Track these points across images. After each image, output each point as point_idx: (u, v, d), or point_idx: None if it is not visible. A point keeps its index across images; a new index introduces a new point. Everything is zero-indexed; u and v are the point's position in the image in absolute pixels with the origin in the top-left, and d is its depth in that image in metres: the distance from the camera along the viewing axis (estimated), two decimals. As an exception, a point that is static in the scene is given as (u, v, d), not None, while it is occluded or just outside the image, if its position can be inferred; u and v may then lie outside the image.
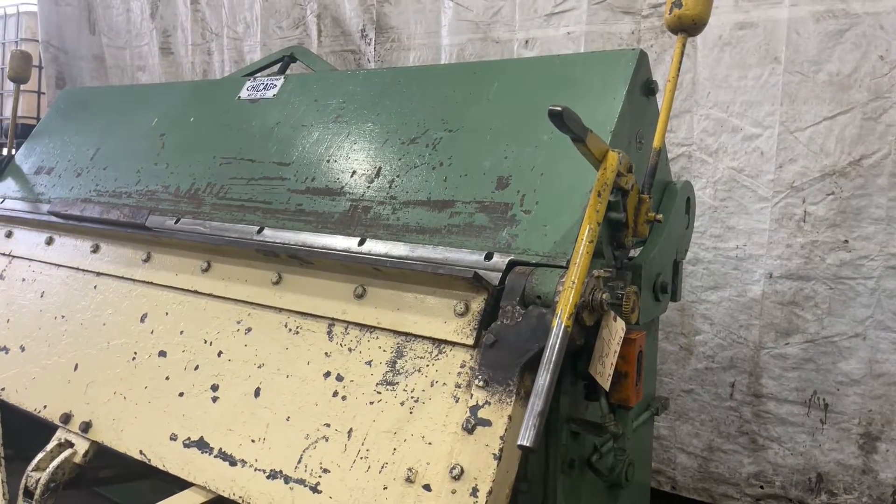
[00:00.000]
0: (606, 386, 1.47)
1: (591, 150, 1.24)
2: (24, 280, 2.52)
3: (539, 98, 1.83)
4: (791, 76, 2.43)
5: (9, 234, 2.67)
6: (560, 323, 1.15)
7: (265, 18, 3.76)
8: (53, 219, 2.55)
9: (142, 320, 2.10)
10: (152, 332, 2.07)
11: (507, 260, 1.58)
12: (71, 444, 1.98)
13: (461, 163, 1.85)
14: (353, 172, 2.03)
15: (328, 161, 2.11)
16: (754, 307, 2.54)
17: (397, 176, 1.94)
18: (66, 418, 2.03)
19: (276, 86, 2.45)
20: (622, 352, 1.45)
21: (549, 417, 1.58)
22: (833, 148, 2.38)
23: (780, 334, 2.52)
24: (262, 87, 2.48)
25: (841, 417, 2.46)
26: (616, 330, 1.42)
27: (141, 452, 1.85)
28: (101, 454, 1.99)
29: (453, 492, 1.34)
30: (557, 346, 1.14)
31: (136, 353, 2.06)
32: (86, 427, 1.98)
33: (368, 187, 1.97)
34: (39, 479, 1.92)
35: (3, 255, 2.64)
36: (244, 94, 2.51)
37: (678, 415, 2.71)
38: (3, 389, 2.25)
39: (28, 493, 1.93)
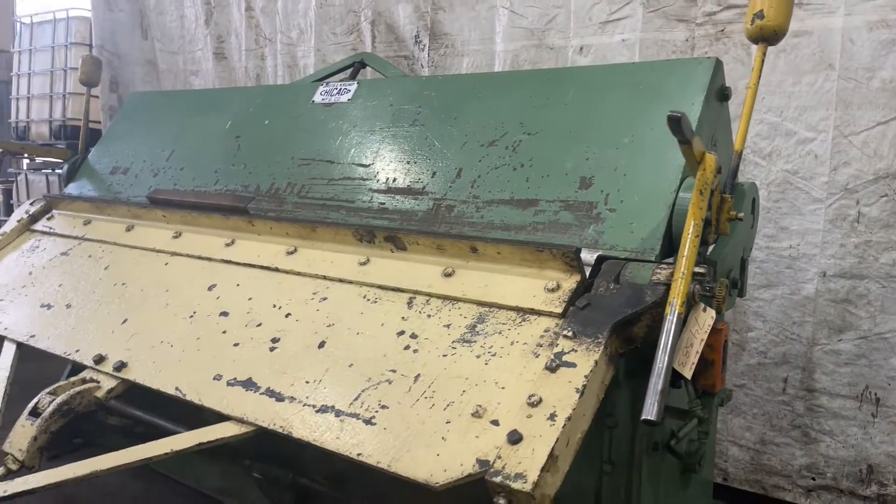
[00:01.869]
0: (688, 375, 1.56)
1: (694, 152, 1.35)
2: (90, 256, 2.62)
3: (618, 103, 1.94)
4: (845, 82, 2.52)
5: (87, 222, 2.80)
6: (674, 310, 1.26)
7: (319, 25, 3.89)
8: (138, 206, 2.66)
9: (209, 289, 2.16)
10: (217, 298, 2.11)
11: (595, 255, 1.68)
12: (96, 381, 1.99)
13: (542, 164, 1.96)
14: (434, 173, 2.14)
15: (408, 162, 2.22)
16: (808, 305, 2.63)
17: (478, 176, 2.05)
18: (100, 359, 2.05)
19: (349, 91, 2.57)
20: (709, 341, 1.55)
21: (636, 404, 1.70)
22: (887, 151, 2.47)
23: (833, 331, 2.61)
24: (335, 91, 2.60)
25: (892, 411, 2.55)
26: (705, 320, 1.52)
27: (176, 389, 1.85)
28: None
29: (529, 416, 1.34)
30: (673, 330, 1.24)
31: (195, 312, 2.09)
32: (119, 366, 1.99)
33: (450, 187, 2.08)
34: (53, 401, 1.89)
35: (75, 237, 2.75)
36: (318, 98, 2.63)
37: (730, 409, 2.80)
38: (32, 336, 2.29)
39: (35, 412, 1.91)
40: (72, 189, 3.11)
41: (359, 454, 1.46)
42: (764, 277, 2.72)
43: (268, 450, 2.49)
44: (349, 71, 2.86)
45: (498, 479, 1.22)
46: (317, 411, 1.60)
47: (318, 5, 3.88)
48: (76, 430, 3.26)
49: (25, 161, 5.76)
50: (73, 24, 5.39)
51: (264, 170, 2.56)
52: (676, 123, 1.20)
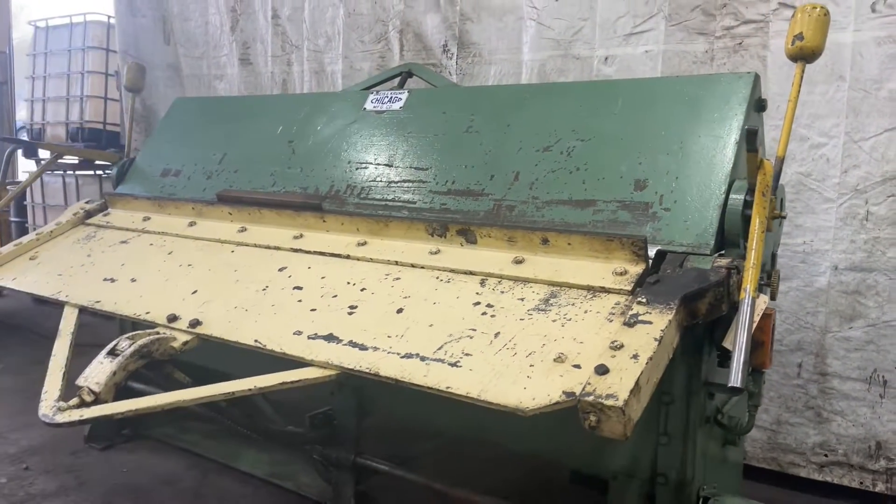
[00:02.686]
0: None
1: (757, 160, 1.56)
2: (151, 245, 2.75)
3: (665, 113, 2.15)
4: (855, 92, 2.77)
5: (146, 218, 2.94)
6: (749, 294, 1.47)
7: (347, 33, 4.07)
8: (202, 203, 2.81)
9: (279, 270, 2.29)
10: (289, 277, 2.24)
11: (655, 250, 1.89)
12: (172, 336, 2.07)
13: (597, 168, 2.16)
14: (492, 176, 2.33)
15: (465, 166, 2.41)
16: (820, 296, 2.87)
17: (536, 179, 2.25)
18: (173, 318, 2.12)
19: (401, 99, 2.75)
20: (760, 324, 1.77)
21: (691, 381, 1.91)
22: (893, 156, 2.72)
23: (844, 320, 2.85)
24: (387, 99, 2.79)
25: (899, 392, 2.80)
26: (759, 304, 1.73)
27: (256, 341, 1.93)
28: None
29: (612, 357, 1.47)
30: (748, 311, 1.45)
31: (267, 286, 2.21)
32: (195, 324, 2.08)
33: (509, 189, 2.28)
34: (132, 343, 1.97)
35: (134, 230, 2.89)
36: (370, 105, 2.81)
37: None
38: (98, 302, 2.38)
39: (113, 353, 1.97)
40: (123, 190, 3.25)
41: (447, 387, 1.58)
42: (780, 271, 2.95)
43: (328, 433, 2.66)
44: (396, 80, 3.03)
45: (590, 399, 1.37)
46: (402, 357, 1.71)
47: (346, 14, 4.06)
48: (125, 421, 3.41)
49: (41, 162, 5.84)
50: (90, 28, 5.51)
51: (321, 173, 2.73)
52: (753, 135, 1.41)
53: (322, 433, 2.65)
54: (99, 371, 1.94)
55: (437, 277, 2.05)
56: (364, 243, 2.31)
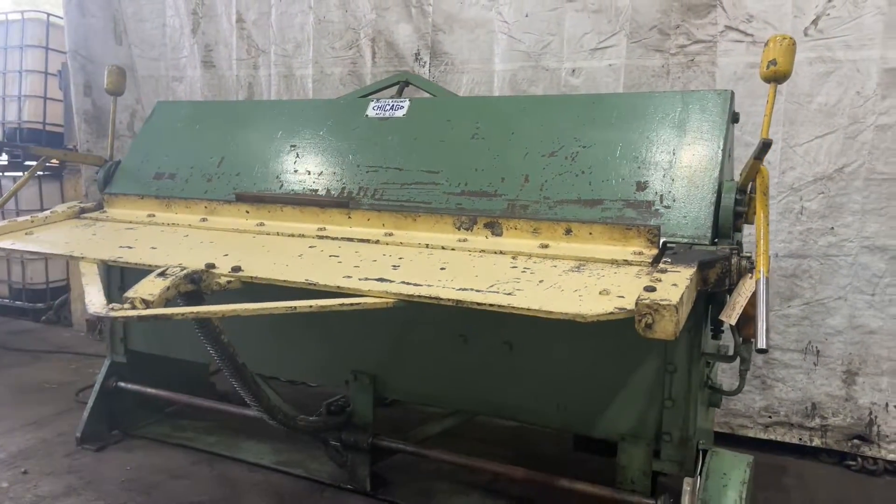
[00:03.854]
0: (733, 322, 2.11)
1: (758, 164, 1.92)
2: (162, 231, 2.83)
3: (657, 123, 2.48)
4: (790, 104, 3.23)
5: (150, 215, 3.03)
6: (763, 275, 1.81)
7: (317, 39, 4.21)
8: (217, 201, 2.93)
9: (310, 247, 2.46)
10: (321, 251, 2.41)
11: (662, 240, 2.22)
12: (216, 273, 2.10)
13: (600, 171, 2.47)
14: (503, 178, 2.60)
15: (476, 169, 2.67)
16: (764, 280, 3.32)
17: (545, 181, 2.53)
18: (211, 266, 2.12)
19: (403, 107, 2.97)
20: (752, 300, 2.13)
21: (692, 352, 2.26)
22: (823, 159, 3.20)
23: (783, 299, 3.32)
24: (388, 107, 2.99)
25: (829, 360, 3.29)
26: (750, 285, 2.09)
27: (307, 280, 2.03)
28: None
29: (654, 287, 1.73)
30: (763, 289, 1.80)
31: (302, 254, 2.37)
32: (237, 269, 2.12)
33: (521, 189, 2.55)
34: (183, 269, 2.01)
35: (139, 223, 2.98)
36: (371, 113, 3.01)
37: (704, 366, 3.46)
38: (120, 258, 2.41)
39: (163, 274, 2.00)
40: (113, 192, 3.28)
41: (509, 304, 1.78)
42: (729, 259, 3.39)
43: (343, 420, 2.86)
44: (394, 88, 3.23)
45: (647, 301, 1.64)
46: (457, 290, 1.89)
47: (317, 21, 4.20)
48: (114, 423, 3.45)
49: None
50: (29, 25, 5.35)
51: (331, 175, 2.91)
52: (768, 147, 1.76)
53: (338, 420, 2.85)
54: (151, 285, 1.95)
55: (470, 254, 2.29)
56: (391, 234, 2.52)
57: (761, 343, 1.73)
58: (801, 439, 3.36)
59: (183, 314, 1.85)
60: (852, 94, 3.14)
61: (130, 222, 3.00)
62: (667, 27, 3.43)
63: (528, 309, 1.74)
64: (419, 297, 1.88)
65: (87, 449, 3.29)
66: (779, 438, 3.38)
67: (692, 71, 3.42)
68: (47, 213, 3.07)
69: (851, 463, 3.30)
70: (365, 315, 2.23)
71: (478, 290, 1.88)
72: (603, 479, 2.48)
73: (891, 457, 3.23)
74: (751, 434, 3.43)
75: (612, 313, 1.69)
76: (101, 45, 4.84)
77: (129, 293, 1.92)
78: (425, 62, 3.96)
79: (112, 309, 1.84)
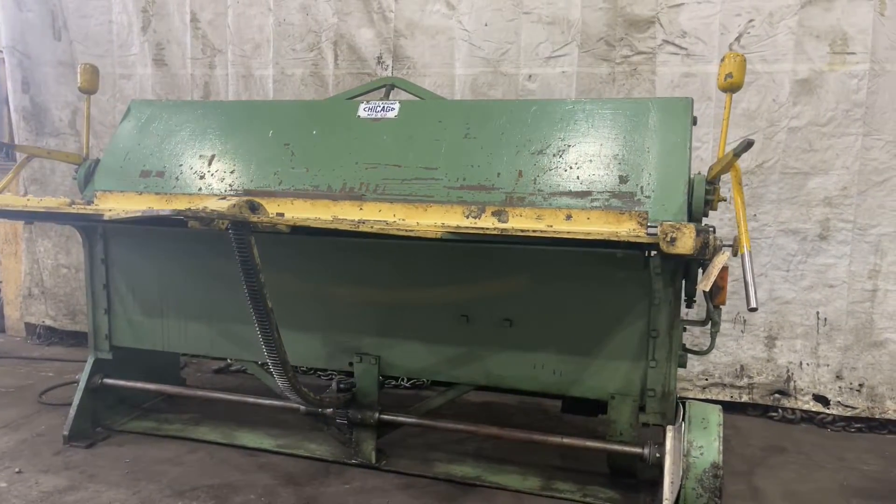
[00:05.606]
0: (707, 289, 2.53)
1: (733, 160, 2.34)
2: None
3: (633, 125, 2.87)
4: (719, 109, 3.75)
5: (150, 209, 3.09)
6: (747, 250, 2.23)
7: (278, 41, 4.35)
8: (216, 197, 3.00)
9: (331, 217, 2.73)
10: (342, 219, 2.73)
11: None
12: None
13: (587, 166, 2.84)
14: (499, 174, 2.91)
15: (472, 166, 2.96)
16: (700, 261, 3.83)
17: (538, 176, 2.87)
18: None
19: (394, 109, 3.21)
20: (721, 273, 2.56)
21: (673, 319, 2.67)
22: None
23: (716, 277, 3.84)
24: (380, 109, 3.23)
25: (754, 328, 3.85)
26: (723, 259, 2.52)
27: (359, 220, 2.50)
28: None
29: None
30: (748, 259, 2.21)
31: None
32: (279, 215, 2.34)
33: (517, 184, 2.87)
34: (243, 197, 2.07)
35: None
36: (363, 114, 3.22)
37: (650, 338, 3.93)
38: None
39: (224, 198, 2.06)
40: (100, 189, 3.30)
41: (553, 230, 2.16)
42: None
43: (350, 398, 3.07)
44: (382, 90, 3.45)
45: (671, 223, 2.08)
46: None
47: (277, 23, 4.34)
48: (97, 420, 3.47)
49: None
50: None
51: (330, 172, 3.10)
52: (749, 146, 2.18)
53: (346, 397, 3.06)
54: (218, 203, 2.02)
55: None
56: (404, 220, 2.77)
57: (752, 303, 2.15)
58: (732, 397, 3.91)
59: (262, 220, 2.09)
60: (769, 101, 3.71)
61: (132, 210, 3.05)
62: (612, 39, 3.87)
63: (569, 233, 2.14)
64: (466, 229, 2.18)
65: (76, 447, 3.29)
66: (714, 397, 3.91)
67: (635, 79, 3.88)
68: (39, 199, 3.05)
69: (773, 414, 3.88)
70: (369, 299, 2.78)
71: (518, 227, 2.22)
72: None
73: (805, 407, 3.83)
74: (691, 395, 3.94)
75: (639, 235, 2.10)
76: (38, 40, 4.71)
77: (199, 206, 2.00)
78: (388, 65, 4.20)
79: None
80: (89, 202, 3.24)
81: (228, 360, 4.52)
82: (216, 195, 2.17)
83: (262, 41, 4.39)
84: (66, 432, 3.32)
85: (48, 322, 5.07)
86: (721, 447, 2.52)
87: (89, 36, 4.68)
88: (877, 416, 3.74)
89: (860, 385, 3.76)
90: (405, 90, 3.41)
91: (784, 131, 3.71)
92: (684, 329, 2.77)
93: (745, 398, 3.91)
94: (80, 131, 4.76)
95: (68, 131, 4.77)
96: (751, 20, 3.68)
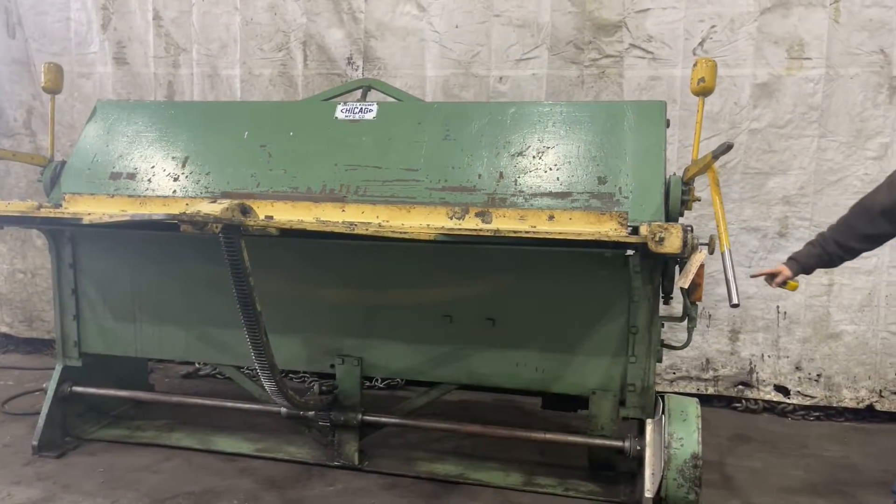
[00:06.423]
0: (686, 286, 2.62)
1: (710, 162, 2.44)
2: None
3: (609, 127, 2.95)
4: (684, 111, 3.87)
5: (124, 212, 3.01)
6: (727, 247, 2.32)
7: (245, 40, 4.29)
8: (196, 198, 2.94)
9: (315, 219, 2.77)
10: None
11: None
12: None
13: (566, 167, 2.90)
14: (480, 175, 2.95)
15: (453, 168, 2.99)
16: (667, 258, 3.95)
17: (518, 177, 2.92)
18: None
19: (372, 110, 3.21)
20: (698, 271, 2.66)
21: (652, 316, 2.76)
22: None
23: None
24: (357, 110, 3.23)
25: (718, 322, 4.00)
26: (700, 257, 2.62)
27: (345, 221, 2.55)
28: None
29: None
30: (728, 257, 2.31)
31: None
32: (268, 217, 2.28)
33: (498, 184, 2.92)
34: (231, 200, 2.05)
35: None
36: (341, 115, 3.22)
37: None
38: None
39: (214, 201, 2.04)
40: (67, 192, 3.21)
41: (545, 230, 2.24)
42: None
43: (332, 400, 3.07)
44: (358, 92, 3.45)
45: (658, 223, 2.19)
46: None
47: (244, 22, 4.28)
48: (67, 431, 3.37)
49: None
50: None
51: (308, 174, 3.09)
52: (728, 149, 2.27)
53: (328, 399, 3.05)
54: (210, 206, 2.01)
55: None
56: (388, 223, 2.77)
57: (733, 300, 2.24)
58: (698, 389, 4.05)
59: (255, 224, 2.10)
60: (731, 104, 3.85)
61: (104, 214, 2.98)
62: (581, 42, 3.95)
63: (559, 233, 2.23)
64: (459, 230, 2.21)
65: (46, 457, 3.20)
66: (681, 390, 4.04)
67: (603, 81, 3.97)
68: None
69: (737, 405, 4.03)
70: (351, 300, 2.86)
71: (510, 228, 2.28)
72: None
73: (767, 397, 3.99)
74: (660, 389, 4.05)
75: (626, 235, 2.18)
76: (-10, 37, 4.54)
77: (189, 210, 1.98)
78: (358, 66, 4.19)
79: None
80: (57, 205, 3.15)
81: (197, 364, 4.45)
82: (204, 198, 2.15)
83: (228, 40, 4.33)
84: (35, 442, 3.22)
85: (4, 329, 4.89)
86: (700, 438, 2.61)
87: (46, 33, 4.53)
88: (834, 405, 3.93)
89: (818, 375, 3.94)
90: (383, 92, 3.42)
91: (745, 133, 3.85)
92: (662, 325, 2.86)
93: (710, 390, 4.05)
94: (35, 132, 4.61)
95: (23, 132, 4.61)
96: (713, 26, 3.81)
